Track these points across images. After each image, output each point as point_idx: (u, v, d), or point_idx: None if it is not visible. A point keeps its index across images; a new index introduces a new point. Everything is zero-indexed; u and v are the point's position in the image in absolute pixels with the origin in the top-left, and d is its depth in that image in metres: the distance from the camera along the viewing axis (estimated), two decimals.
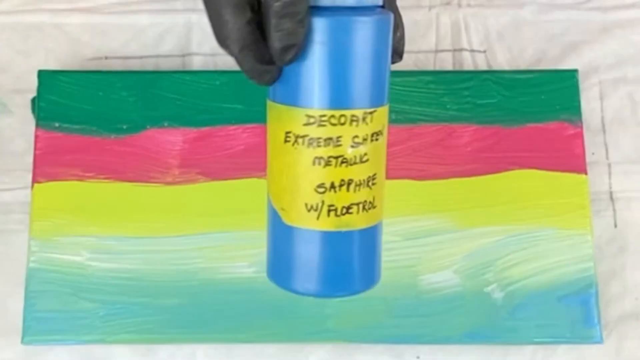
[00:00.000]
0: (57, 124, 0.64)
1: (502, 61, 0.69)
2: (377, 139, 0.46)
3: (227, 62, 0.68)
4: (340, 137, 0.45)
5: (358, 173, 0.45)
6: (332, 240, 0.46)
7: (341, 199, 0.45)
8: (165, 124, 0.64)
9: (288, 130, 0.45)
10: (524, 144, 0.64)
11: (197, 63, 0.69)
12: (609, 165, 0.66)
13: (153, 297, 0.61)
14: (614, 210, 0.65)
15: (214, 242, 0.62)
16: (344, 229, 0.46)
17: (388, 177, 0.49)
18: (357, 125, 0.45)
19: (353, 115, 0.45)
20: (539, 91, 0.65)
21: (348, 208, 0.45)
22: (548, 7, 0.70)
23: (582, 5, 0.70)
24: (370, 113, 0.45)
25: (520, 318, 0.61)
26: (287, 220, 0.46)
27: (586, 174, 0.63)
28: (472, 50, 0.69)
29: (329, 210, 0.45)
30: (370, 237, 0.47)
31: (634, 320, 0.63)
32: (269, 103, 0.47)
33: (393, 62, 0.48)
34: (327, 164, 0.45)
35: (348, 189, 0.45)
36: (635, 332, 0.63)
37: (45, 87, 0.65)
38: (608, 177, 0.66)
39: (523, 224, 0.62)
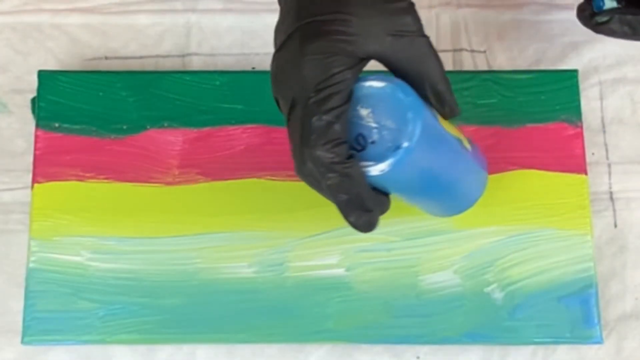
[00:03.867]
0: (57, 124, 0.64)
1: (502, 61, 0.69)
2: None
3: (227, 62, 0.68)
4: None
5: None
6: None
7: None
8: (165, 124, 0.64)
9: None
10: (524, 144, 0.64)
11: (197, 63, 0.69)
12: (609, 165, 0.66)
13: (153, 297, 0.61)
14: (614, 210, 0.65)
15: (214, 242, 0.62)
16: None
17: None
18: None
19: None
20: (539, 91, 0.65)
21: None
22: (548, 7, 0.70)
23: None
24: None
25: (520, 318, 0.61)
26: None
27: (586, 174, 0.63)
28: (472, 51, 0.69)
29: None
30: None
31: (634, 320, 0.63)
32: None
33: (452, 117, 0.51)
34: None
35: None
36: (635, 332, 0.63)
37: (45, 87, 0.65)
38: (608, 177, 0.66)
39: (523, 224, 0.62)
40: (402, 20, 0.48)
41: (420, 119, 0.46)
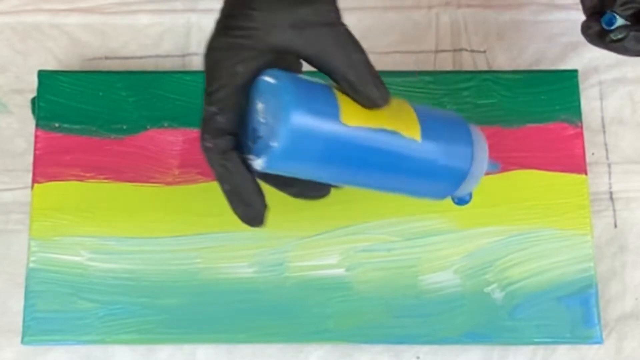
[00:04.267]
0: (57, 124, 0.64)
1: (502, 61, 0.69)
2: None
3: None
4: None
5: None
6: None
7: None
8: (165, 124, 0.64)
9: None
10: (524, 144, 0.64)
11: (197, 63, 0.69)
12: (609, 165, 0.66)
13: (153, 297, 0.61)
14: (614, 210, 0.65)
15: (214, 242, 0.62)
16: None
17: None
18: None
19: None
20: (539, 91, 0.65)
21: None
22: (548, 7, 0.70)
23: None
24: None
25: (520, 318, 0.61)
26: None
27: (586, 174, 0.63)
28: (472, 51, 0.69)
29: None
30: None
31: (634, 320, 0.63)
32: None
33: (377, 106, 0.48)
34: None
35: None
36: (635, 332, 0.63)
37: (45, 87, 0.65)
38: (608, 177, 0.66)
39: (523, 224, 0.62)
40: (304, 10, 0.47)
41: (291, 119, 0.45)
